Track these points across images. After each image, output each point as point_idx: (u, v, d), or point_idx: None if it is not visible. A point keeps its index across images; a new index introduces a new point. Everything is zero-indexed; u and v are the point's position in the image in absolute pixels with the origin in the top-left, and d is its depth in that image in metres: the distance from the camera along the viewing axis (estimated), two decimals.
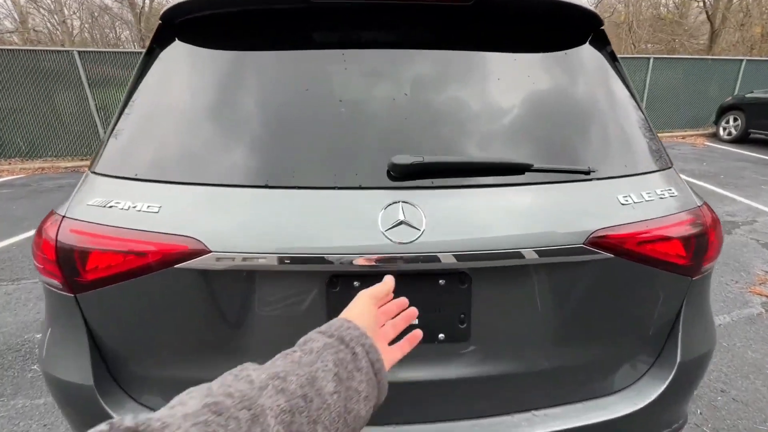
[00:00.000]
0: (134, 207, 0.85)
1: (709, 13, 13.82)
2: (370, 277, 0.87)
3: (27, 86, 7.20)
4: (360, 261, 0.83)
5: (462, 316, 0.92)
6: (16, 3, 15.59)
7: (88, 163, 7.57)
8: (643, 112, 1.06)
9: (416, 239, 0.83)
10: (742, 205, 4.85)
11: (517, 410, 0.99)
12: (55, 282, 0.88)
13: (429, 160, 0.84)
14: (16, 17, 16.67)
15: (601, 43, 1.09)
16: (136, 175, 0.89)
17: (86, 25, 20.20)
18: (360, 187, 0.87)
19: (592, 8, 1.04)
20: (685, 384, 1.04)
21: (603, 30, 1.09)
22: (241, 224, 0.84)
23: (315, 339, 0.50)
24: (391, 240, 0.83)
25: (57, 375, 0.95)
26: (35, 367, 2.22)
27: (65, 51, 7.45)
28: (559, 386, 1.00)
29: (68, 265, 0.86)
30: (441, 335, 0.93)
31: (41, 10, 16.99)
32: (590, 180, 0.93)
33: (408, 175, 0.87)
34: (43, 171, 7.12)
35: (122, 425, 0.31)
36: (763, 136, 8.51)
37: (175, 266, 0.83)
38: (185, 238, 0.82)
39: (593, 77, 1.04)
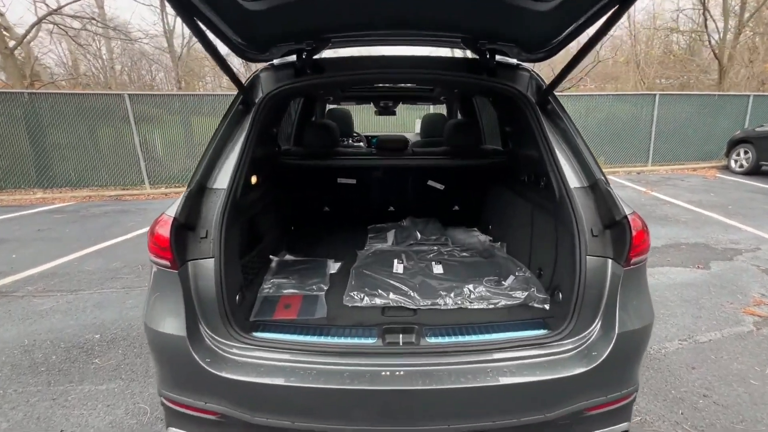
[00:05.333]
0: None
1: (716, 52, 14.22)
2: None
3: (78, 125, 8.11)
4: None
5: None
6: (72, 52, 17.47)
7: (129, 192, 8.28)
8: None
9: None
10: (747, 234, 4.98)
11: None
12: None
13: None
14: (67, 62, 18.65)
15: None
16: None
17: (126, 68, 22.25)
18: None
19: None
20: None
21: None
22: None
23: None
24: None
25: None
26: (97, 360, 2.60)
27: (117, 94, 8.40)
28: None
29: None
30: None
31: (88, 56, 18.93)
32: None
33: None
34: (90, 198, 7.86)
35: None
36: None
37: None
38: None
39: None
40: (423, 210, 2.94)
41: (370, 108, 7.32)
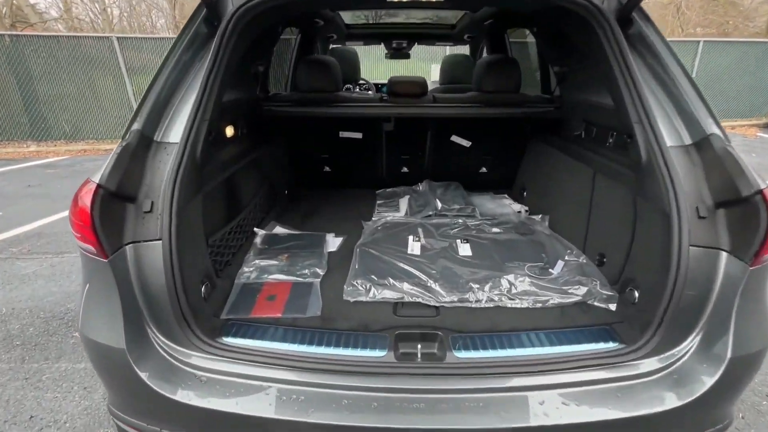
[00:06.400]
0: None
1: None
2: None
3: (71, 73, 7.55)
4: None
5: None
6: None
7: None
8: None
9: None
10: None
11: None
12: None
13: None
14: (61, 6, 17.49)
15: None
16: None
17: (125, 14, 20.92)
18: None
19: None
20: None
21: None
22: None
23: None
24: None
25: None
26: (77, 334, 2.36)
27: (105, 37, 7.73)
28: None
29: None
30: None
31: None
32: None
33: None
34: (85, 152, 7.51)
35: None
36: None
37: None
38: None
39: None
40: (443, 171, 2.48)
41: (380, 54, 6.62)
